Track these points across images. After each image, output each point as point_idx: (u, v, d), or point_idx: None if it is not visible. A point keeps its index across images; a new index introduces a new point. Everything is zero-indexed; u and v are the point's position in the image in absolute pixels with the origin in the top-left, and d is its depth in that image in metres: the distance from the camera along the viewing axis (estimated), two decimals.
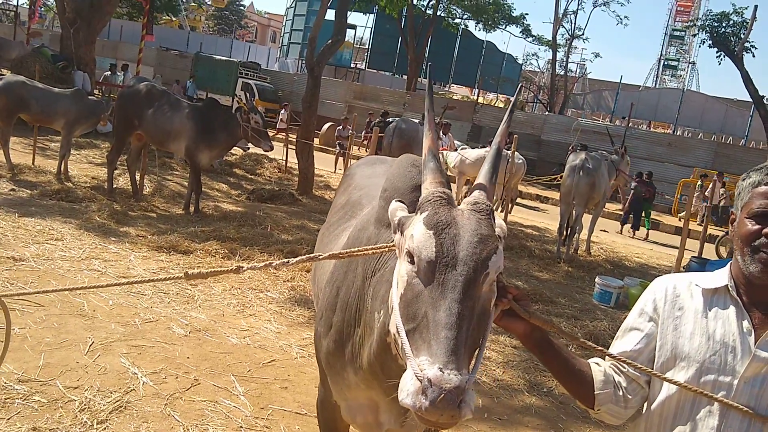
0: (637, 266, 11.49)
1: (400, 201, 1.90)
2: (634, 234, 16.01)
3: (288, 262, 2.18)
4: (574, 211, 10.83)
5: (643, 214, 16.14)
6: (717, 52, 13.19)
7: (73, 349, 4.58)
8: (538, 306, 7.55)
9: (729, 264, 1.91)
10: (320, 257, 2.17)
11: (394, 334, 1.65)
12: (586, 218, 11.55)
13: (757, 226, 1.77)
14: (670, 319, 1.91)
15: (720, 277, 1.89)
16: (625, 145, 13.31)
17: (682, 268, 8.91)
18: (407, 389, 1.45)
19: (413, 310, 1.58)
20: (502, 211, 13.25)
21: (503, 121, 1.98)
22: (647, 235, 16.19)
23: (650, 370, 1.88)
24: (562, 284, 9.17)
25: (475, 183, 1.83)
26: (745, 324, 1.78)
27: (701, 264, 9.37)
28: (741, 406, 1.72)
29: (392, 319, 1.69)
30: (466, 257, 1.56)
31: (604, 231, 15.13)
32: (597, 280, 8.71)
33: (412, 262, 1.62)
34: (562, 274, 9.75)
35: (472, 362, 1.62)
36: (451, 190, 1.81)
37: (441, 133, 14.44)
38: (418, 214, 1.69)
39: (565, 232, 11.07)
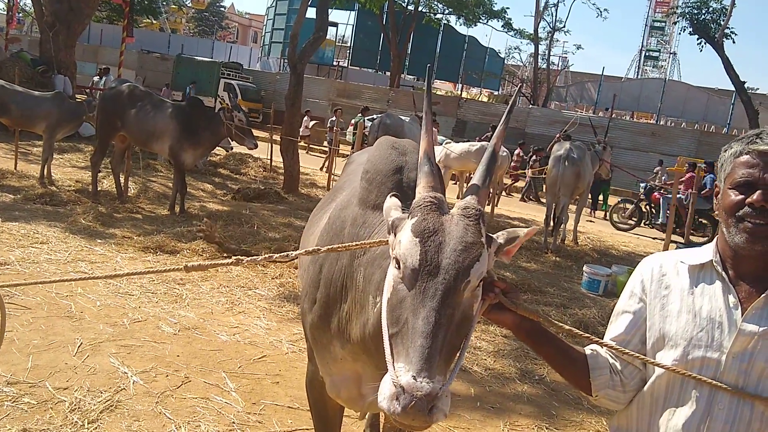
0: (624, 254, 11.54)
1: (395, 196, 1.91)
2: (592, 213, 17.02)
3: (288, 255, 2.24)
4: (560, 202, 10.84)
5: (601, 196, 17.33)
6: (698, 39, 13.27)
7: (62, 350, 4.54)
8: (527, 296, 7.56)
9: (715, 239, 1.91)
10: (321, 250, 2.18)
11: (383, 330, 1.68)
12: (572, 209, 11.60)
13: (740, 196, 1.76)
14: (657, 299, 1.91)
15: (705, 253, 1.89)
16: (608, 136, 13.43)
17: None
18: (384, 393, 1.51)
19: (397, 315, 1.62)
20: (488, 204, 13.27)
21: (500, 123, 1.95)
22: (605, 214, 17.03)
23: (637, 354, 1.87)
24: (550, 274, 9.20)
25: (469, 186, 1.83)
26: (731, 298, 1.78)
27: None
28: (728, 387, 1.71)
29: (382, 316, 1.72)
30: (447, 266, 1.58)
31: (591, 221, 15.19)
32: (585, 268, 8.75)
33: (398, 267, 1.65)
34: (549, 264, 9.78)
35: (451, 366, 1.65)
36: (443, 192, 1.80)
37: None
38: (409, 219, 1.71)
39: (551, 223, 11.10)
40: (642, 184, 15.72)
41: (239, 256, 2.14)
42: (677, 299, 1.87)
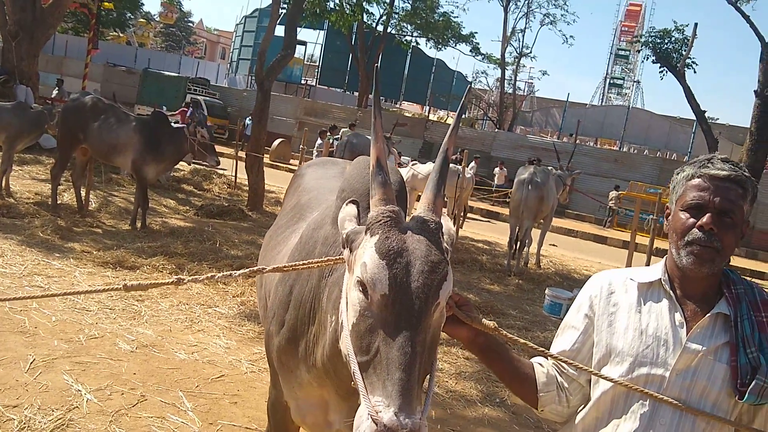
0: (586, 278, 11.54)
1: (352, 202, 1.86)
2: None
3: (232, 274, 2.16)
4: (523, 225, 10.92)
5: None
6: (660, 67, 13.57)
7: (13, 367, 4.40)
8: (489, 318, 7.49)
9: (665, 258, 1.96)
10: (265, 270, 2.14)
11: (345, 356, 1.62)
12: (536, 232, 11.69)
13: (691, 219, 1.82)
14: (605, 316, 1.96)
15: (654, 271, 1.95)
16: (572, 161, 13.68)
17: None
18: (363, 430, 1.44)
19: (366, 343, 1.55)
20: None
21: (451, 127, 1.89)
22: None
23: (587, 368, 1.93)
24: (513, 297, 9.23)
25: (423, 196, 1.77)
26: (678, 317, 1.84)
27: None
28: (671, 401, 1.77)
29: (343, 341, 1.67)
30: (417, 289, 1.53)
31: (554, 245, 15.32)
32: (547, 291, 8.80)
33: (363, 292, 1.58)
34: (512, 286, 9.82)
35: (425, 388, 1.63)
36: (396, 203, 1.74)
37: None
38: (368, 236, 1.64)
39: (515, 246, 11.17)
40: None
41: (181, 276, 2.09)
42: (624, 316, 1.92)
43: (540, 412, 2.02)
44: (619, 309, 1.94)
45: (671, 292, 1.88)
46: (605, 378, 1.86)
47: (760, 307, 1.81)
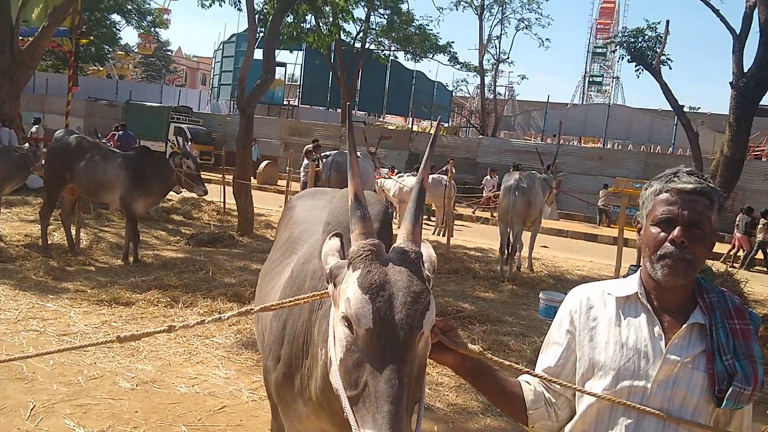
0: (579, 279, 11.69)
1: (336, 235, 1.90)
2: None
3: (220, 318, 2.20)
4: (513, 230, 10.98)
5: None
6: (636, 66, 13.70)
7: (13, 415, 4.41)
8: (486, 326, 7.60)
9: (639, 270, 2.02)
10: (253, 310, 2.18)
11: (336, 390, 1.66)
12: (526, 236, 11.75)
13: (662, 234, 1.88)
14: (586, 331, 2.01)
15: (631, 285, 2.01)
16: (556, 162, 13.75)
17: (621, 276, 9.11)
18: None
19: (354, 378, 1.58)
20: (443, 236, 13.37)
21: (425, 157, 1.94)
22: None
23: (571, 384, 1.98)
24: (507, 303, 9.28)
25: (402, 226, 1.81)
26: (656, 329, 1.90)
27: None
28: (654, 411, 1.82)
29: (332, 375, 1.70)
30: (401, 321, 1.56)
31: (545, 247, 15.39)
32: (541, 295, 8.85)
33: (349, 327, 1.61)
34: (507, 292, 9.87)
35: (414, 416, 1.66)
36: (378, 234, 1.79)
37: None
38: (351, 271, 1.68)
39: (506, 251, 11.22)
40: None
41: (172, 324, 2.14)
42: (605, 330, 1.98)
43: (530, 429, 2.06)
44: (599, 323, 1.99)
45: (648, 305, 1.94)
46: (590, 393, 1.91)
47: (732, 314, 1.87)
